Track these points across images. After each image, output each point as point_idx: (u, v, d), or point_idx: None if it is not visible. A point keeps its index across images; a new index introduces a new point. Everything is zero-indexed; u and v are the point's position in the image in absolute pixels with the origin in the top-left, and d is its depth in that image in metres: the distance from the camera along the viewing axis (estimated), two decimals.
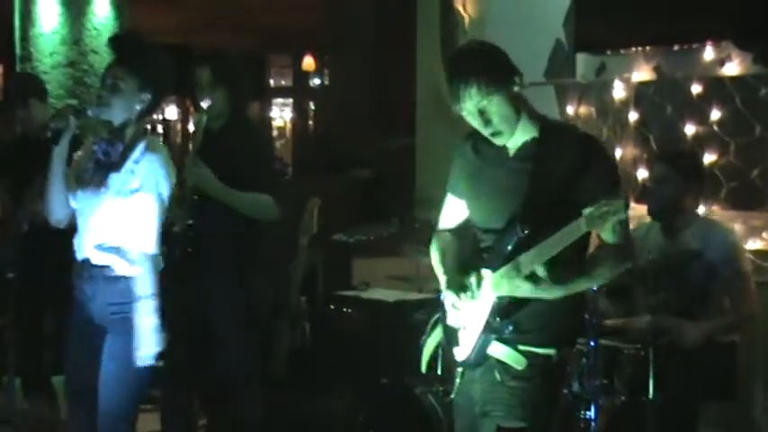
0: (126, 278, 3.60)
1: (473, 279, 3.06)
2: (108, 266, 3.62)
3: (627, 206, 2.85)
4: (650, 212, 4.42)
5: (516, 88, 3.00)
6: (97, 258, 3.64)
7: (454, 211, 3.29)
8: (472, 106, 2.97)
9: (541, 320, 3.03)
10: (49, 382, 5.02)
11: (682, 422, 4.16)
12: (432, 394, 4.32)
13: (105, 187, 3.58)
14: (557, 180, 2.95)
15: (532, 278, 2.91)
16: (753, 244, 4.82)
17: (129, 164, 3.59)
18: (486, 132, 3.02)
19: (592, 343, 3.95)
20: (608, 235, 2.99)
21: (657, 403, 3.97)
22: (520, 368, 3.03)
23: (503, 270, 2.98)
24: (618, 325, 4.25)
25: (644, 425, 4.00)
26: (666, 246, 4.34)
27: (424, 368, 3.31)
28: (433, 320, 3.30)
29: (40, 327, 5.00)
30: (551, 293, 2.95)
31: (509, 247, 2.98)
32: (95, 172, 3.64)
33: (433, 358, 3.31)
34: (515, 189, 3.01)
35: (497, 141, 3.05)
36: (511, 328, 3.00)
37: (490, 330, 3.02)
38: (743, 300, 4.24)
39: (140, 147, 3.61)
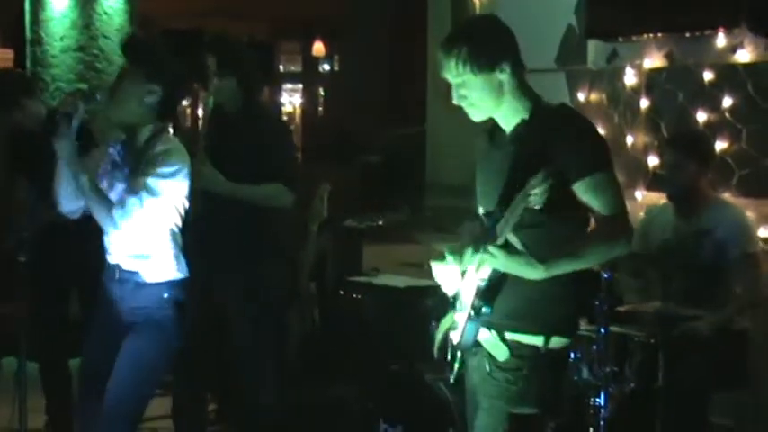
0: (155, 284, 3.61)
1: (453, 251, 3.07)
2: (138, 272, 3.61)
3: (606, 176, 2.86)
4: (669, 198, 4.51)
5: (504, 74, 2.94)
6: (128, 264, 3.63)
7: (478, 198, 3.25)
8: (450, 78, 2.98)
9: (528, 307, 2.94)
10: (65, 365, 5.03)
11: (692, 410, 4.16)
12: (442, 381, 4.31)
13: (123, 192, 3.54)
14: (532, 159, 2.87)
15: (506, 248, 2.84)
16: (764, 231, 4.79)
17: (143, 167, 3.52)
18: (461, 104, 3.01)
19: (602, 330, 3.95)
20: (593, 201, 2.89)
21: (668, 391, 3.96)
22: (501, 359, 2.95)
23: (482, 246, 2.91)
24: (628, 311, 4.25)
25: (654, 413, 3.99)
26: (680, 225, 4.38)
27: (435, 353, 3.27)
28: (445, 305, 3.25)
29: (61, 311, 5.00)
30: (532, 271, 2.85)
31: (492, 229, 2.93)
32: (112, 176, 3.62)
33: (444, 343, 3.28)
34: (504, 171, 2.98)
35: (471, 115, 3.03)
36: (486, 309, 2.92)
37: (474, 313, 2.95)
38: (752, 282, 4.24)
39: (156, 148, 3.55)
